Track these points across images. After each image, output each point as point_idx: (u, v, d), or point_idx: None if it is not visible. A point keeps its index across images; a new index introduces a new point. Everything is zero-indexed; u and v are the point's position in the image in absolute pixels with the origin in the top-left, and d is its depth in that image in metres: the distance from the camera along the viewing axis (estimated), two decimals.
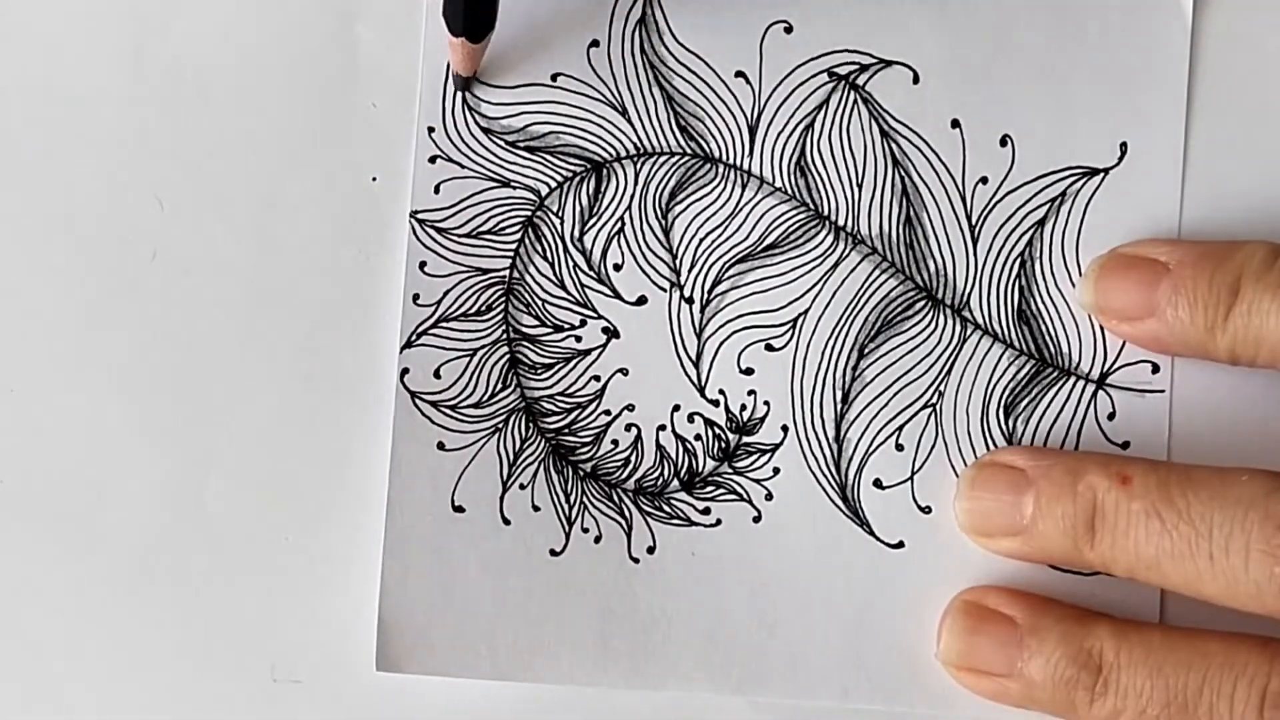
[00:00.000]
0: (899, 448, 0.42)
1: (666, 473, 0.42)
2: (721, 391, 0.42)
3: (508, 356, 0.42)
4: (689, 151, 0.42)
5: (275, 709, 0.42)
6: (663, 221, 0.42)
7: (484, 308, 0.42)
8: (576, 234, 0.42)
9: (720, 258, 0.42)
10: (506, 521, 0.42)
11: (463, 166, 0.42)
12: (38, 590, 0.42)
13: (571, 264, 0.42)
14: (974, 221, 0.42)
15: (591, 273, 0.42)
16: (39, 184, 0.43)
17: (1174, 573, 0.38)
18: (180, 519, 0.42)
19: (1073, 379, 0.42)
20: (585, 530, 0.42)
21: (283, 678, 0.42)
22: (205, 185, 0.43)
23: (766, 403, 0.42)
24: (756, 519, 0.42)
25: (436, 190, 0.42)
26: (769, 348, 0.42)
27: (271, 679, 0.42)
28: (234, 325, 0.43)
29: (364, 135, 0.43)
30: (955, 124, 0.42)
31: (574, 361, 0.42)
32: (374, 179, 0.43)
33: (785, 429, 0.42)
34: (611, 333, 0.42)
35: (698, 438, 0.42)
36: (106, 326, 0.43)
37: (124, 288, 0.43)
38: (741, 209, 0.42)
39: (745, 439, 0.42)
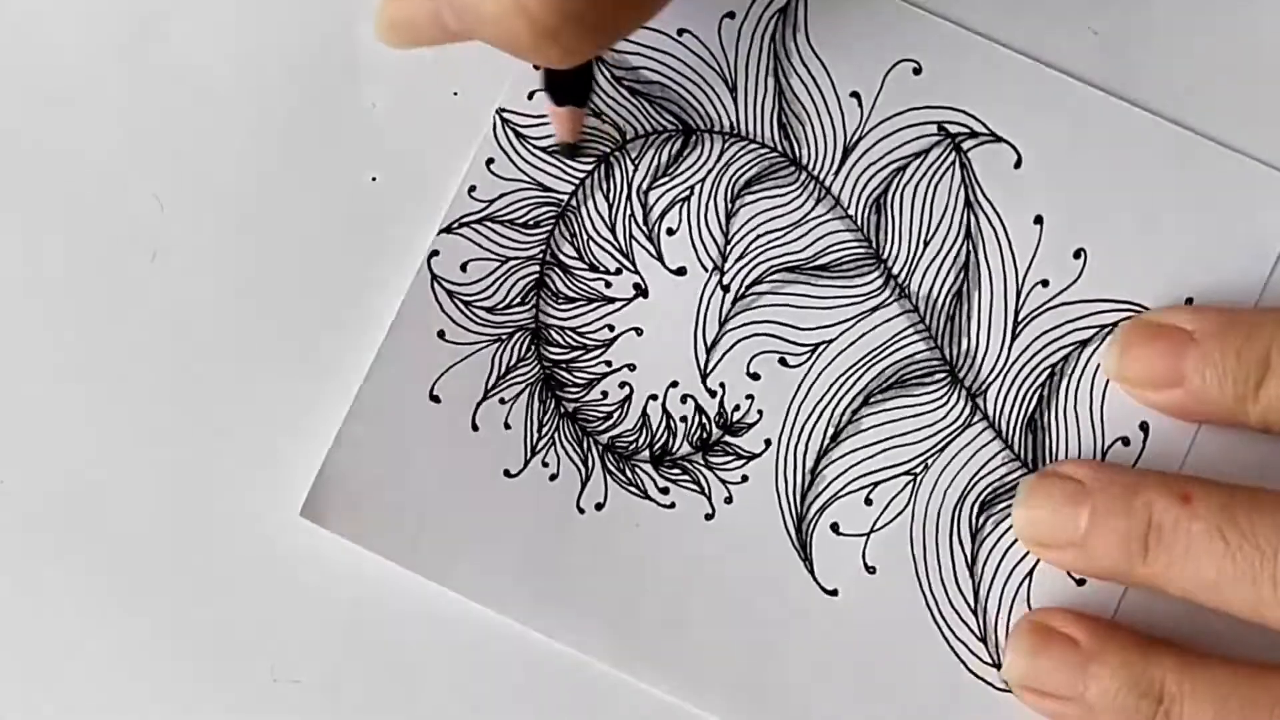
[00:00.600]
0: (868, 502, 0.41)
1: (641, 441, 0.42)
2: (722, 385, 0.42)
3: (536, 276, 0.42)
4: (780, 149, 0.42)
5: (275, 709, 0.42)
6: (729, 205, 0.42)
7: (531, 223, 0.42)
8: (645, 186, 0.42)
9: (769, 260, 0.42)
10: (475, 428, 0.42)
11: None
12: (37, 590, 0.42)
13: (629, 212, 0.42)
14: (1020, 318, 0.42)
15: (644, 228, 0.42)
16: (39, 184, 0.43)
17: (1235, 597, 0.37)
18: (180, 519, 0.42)
19: None
20: (545, 465, 0.42)
21: (283, 678, 0.42)
22: (205, 185, 0.43)
23: (760, 411, 0.42)
24: (709, 516, 0.42)
25: (530, 97, 0.42)
26: (783, 362, 0.42)
27: (271, 679, 0.42)
28: (233, 326, 0.42)
29: (364, 135, 0.43)
30: (1038, 220, 0.42)
31: (596, 305, 0.42)
32: (374, 179, 0.43)
33: (768, 443, 0.42)
34: (641, 291, 0.42)
35: (683, 419, 0.42)
36: (106, 326, 0.42)
37: (124, 288, 0.43)
38: (807, 221, 0.42)
39: (728, 437, 0.42)
